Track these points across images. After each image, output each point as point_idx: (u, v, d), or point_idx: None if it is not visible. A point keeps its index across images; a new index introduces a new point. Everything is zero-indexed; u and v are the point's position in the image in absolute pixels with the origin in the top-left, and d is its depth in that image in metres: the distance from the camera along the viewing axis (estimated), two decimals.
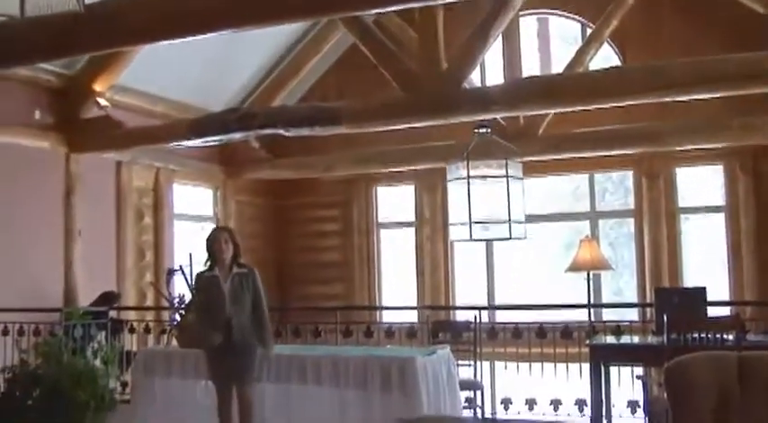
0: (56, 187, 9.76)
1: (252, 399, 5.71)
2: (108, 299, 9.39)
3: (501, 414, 7.38)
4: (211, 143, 9.72)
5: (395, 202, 13.08)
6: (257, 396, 5.82)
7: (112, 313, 9.14)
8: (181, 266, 7.72)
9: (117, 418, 7.35)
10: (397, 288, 12.94)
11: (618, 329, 6.86)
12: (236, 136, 9.05)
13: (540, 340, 7.28)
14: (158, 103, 10.71)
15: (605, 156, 10.50)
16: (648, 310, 9.00)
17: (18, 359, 7.68)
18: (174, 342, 7.11)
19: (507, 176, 7.94)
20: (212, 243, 5.86)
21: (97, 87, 9.56)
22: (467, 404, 6.90)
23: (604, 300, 11.15)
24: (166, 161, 11.08)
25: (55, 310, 8.85)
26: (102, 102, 9.58)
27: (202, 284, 5.91)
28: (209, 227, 12.09)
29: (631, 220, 11.50)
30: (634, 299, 11.24)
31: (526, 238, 8.45)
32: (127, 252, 10.69)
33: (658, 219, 11.05)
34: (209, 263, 5.91)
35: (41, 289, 9.39)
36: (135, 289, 10.77)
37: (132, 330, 8.84)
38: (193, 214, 12.07)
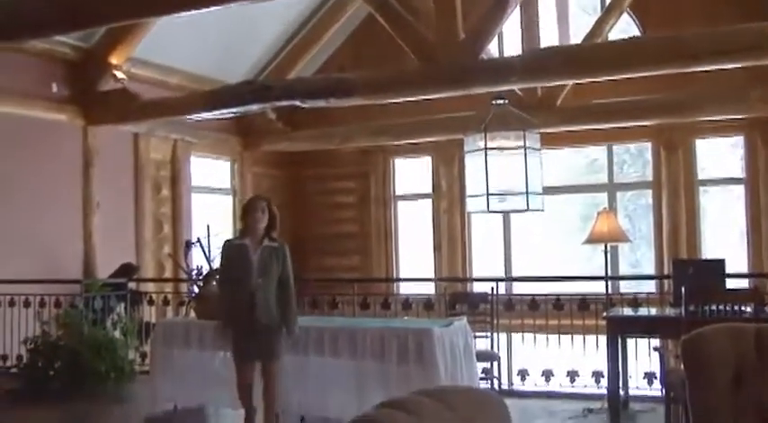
0: (74, 160, 9.81)
1: (277, 375, 5.47)
2: (127, 271, 9.47)
3: (518, 385, 7.40)
4: (228, 115, 9.73)
5: (412, 173, 13.06)
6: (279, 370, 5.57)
7: (131, 285, 9.21)
8: (199, 239, 7.78)
9: (136, 389, 7.44)
10: (414, 260, 12.97)
11: (635, 301, 6.84)
12: (253, 108, 9.04)
13: (558, 312, 7.28)
14: (174, 76, 10.71)
15: (624, 127, 10.44)
16: (666, 282, 8.97)
17: (40, 330, 7.77)
18: (193, 313, 7.16)
19: (525, 148, 7.90)
20: (248, 211, 5.44)
21: (114, 60, 9.57)
22: (484, 375, 6.92)
23: (622, 272, 11.13)
24: (183, 133, 11.10)
25: (75, 281, 8.94)
26: (119, 74, 9.59)
27: (230, 252, 5.48)
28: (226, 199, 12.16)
29: (649, 192, 11.45)
30: (651, 271, 11.22)
31: (543, 211, 8.43)
32: (145, 224, 10.75)
33: (677, 191, 10.99)
34: (240, 231, 5.56)
35: (61, 261, 9.48)
36: (153, 261, 10.85)
37: (151, 302, 8.91)
38: (211, 186, 12.11)
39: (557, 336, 7.34)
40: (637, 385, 6.72)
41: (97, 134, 9.95)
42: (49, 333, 7.74)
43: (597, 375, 6.89)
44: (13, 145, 9.07)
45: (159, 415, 6.61)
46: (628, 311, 6.52)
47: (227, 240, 5.61)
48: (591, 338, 7.07)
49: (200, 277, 7.18)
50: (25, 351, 7.74)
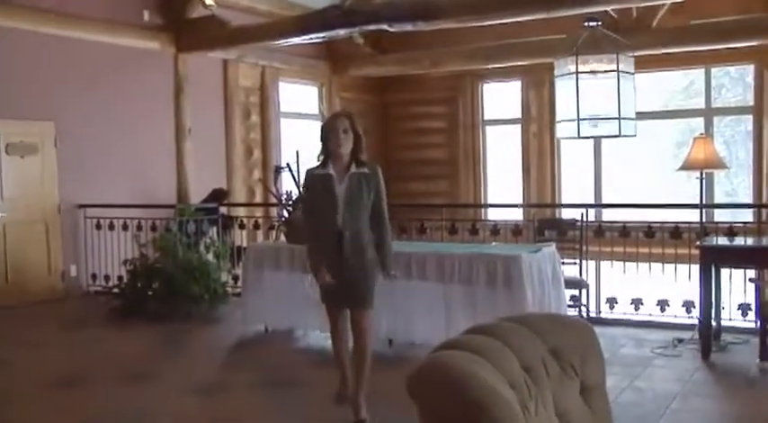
0: (166, 87, 10.00)
1: (368, 325, 4.60)
2: (218, 196, 9.69)
3: (606, 313, 7.33)
4: (316, 40, 9.71)
5: (501, 98, 12.87)
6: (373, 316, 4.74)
7: (223, 209, 9.42)
8: (288, 164, 7.87)
9: (229, 310, 7.67)
10: (502, 185, 12.88)
11: (731, 231, 6.65)
12: (340, 32, 9.00)
13: (649, 240, 7.14)
14: (262, 2, 10.71)
15: (724, 49, 9.98)
16: (765, 211, 8.70)
17: (138, 253, 8.06)
18: (283, 238, 7.29)
19: (618, 72, 7.67)
20: (328, 132, 4.46)
21: None
22: (572, 302, 6.88)
23: (717, 201, 10.81)
24: (272, 59, 11.15)
25: (169, 206, 9.20)
26: (208, 1, 9.64)
27: (312, 184, 4.57)
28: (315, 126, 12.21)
29: (749, 118, 11.01)
30: (749, 200, 10.86)
31: (636, 136, 8.21)
32: (235, 150, 10.95)
33: None
34: (322, 157, 4.56)
35: (156, 186, 9.77)
36: (244, 186, 11.07)
37: (242, 226, 9.09)
38: (299, 112, 12.19)
39: (647, 264, 7.21)
40: (730, 316, 6.57)
41: (188, 61, 10.10)
42: (147, 255, 8.01)
43: (688, 305, 6.76)
44: (108, 74, 9.31)
45: (251, 336, 6.81)
46: (723, 241, 6.34)
47: (310, 170, 4.66)
48: (683, 268, 6.92)
49: (290, 202, 7.28)
50: (125, 272, 8.05)
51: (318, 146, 4.53)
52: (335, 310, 4.62)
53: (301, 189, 4.91)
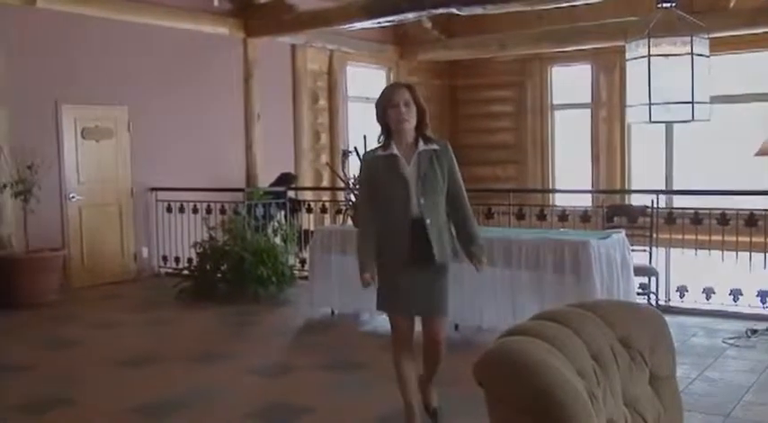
0: (235, 72, 10.11)
1: (444, 336, 3.91)
2: (285, 179, 9.77)
3: (676, 302, 7.18)
4: (384, 24, 9.70)
5: (570, 82, 12.68)
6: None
7: (290, 193, 9.49)
8: (355, 148, 7.89)
9: (296, 293, 7.75)
10: (571, 171, 12.71)
11: None
12: (409, 16, 8.97)
13: (722, 228, 6.96)
14: None
15: None
16: None
17: (207, 235, 8.19)
18: (350, 221, 7.31)
19: (692, 54, 7.47)
20: (386, 106, 3.77)
21: None
22: (641, 290, 6.76)
23: None
24: (339, 43, 11.18)
25: (238, 189, 9.32)
26: None
27: (374, 168, 3.84)
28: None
29: None
30: None
31: (710, 120, 8.00)
32: (303, 134, 11.03)
33: None
34: (382, 138, 3.85)
35: (225, 170, 9.90)
36: (311, 170, 11.14)
37: (309, 210, 9.15)
38: (367, 96, 12.19)
39: (720, 252, 7.03)
40: None
41: (257, 46, 10.19)
42: (216, 238, 8.14)
43: (763, 295, 6.58)
44: (179, 59, 9.46)
45: (318, 319, 6.87)
46: None
47: (369, 152, 4.00)
48: (758, 257, 6.73)
49: (357, 186, 7.30)
50: (194, 254, 8.19)
51: (377, 126, 3.82)
52: (407, 319, 3.86)
53: (360, 174, 4.17)
